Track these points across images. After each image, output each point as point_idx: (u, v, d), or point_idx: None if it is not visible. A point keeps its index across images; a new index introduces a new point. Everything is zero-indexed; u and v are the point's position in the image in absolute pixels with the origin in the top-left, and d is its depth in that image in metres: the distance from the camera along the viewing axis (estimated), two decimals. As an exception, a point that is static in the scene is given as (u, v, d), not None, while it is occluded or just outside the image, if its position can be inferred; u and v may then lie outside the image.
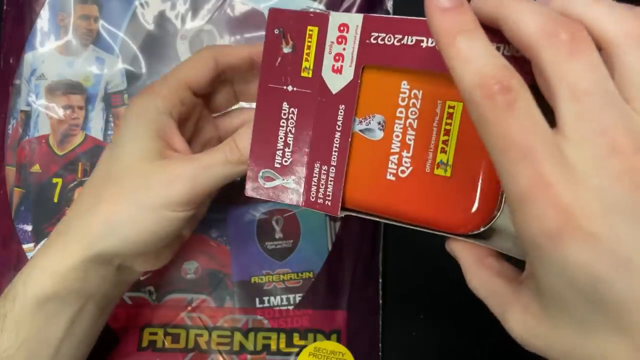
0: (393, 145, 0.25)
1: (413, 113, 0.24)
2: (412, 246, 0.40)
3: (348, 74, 0.24)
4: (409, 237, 0.40)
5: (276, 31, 0.25)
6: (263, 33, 0.39)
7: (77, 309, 0.29)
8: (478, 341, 0.40)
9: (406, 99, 0.24)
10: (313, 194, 0.26)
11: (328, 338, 0.38)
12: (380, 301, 0.39)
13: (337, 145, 0.25)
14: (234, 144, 0.28)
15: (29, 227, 0.38)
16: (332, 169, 0.25)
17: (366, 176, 0.25)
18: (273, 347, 0.38)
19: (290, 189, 0.27)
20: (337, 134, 0.25)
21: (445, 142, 0.24)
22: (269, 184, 0.27)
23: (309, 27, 0.25)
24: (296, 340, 0.38)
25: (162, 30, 0.39)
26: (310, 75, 0.25)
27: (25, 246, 0.38)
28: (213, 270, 0.38)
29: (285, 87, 0.26)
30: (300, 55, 0.25)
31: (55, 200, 0.38)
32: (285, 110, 0.26)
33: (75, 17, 0.39)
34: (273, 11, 0.26)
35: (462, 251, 0.25)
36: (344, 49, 0.24)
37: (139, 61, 0.39)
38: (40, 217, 0.38)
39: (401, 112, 0.24)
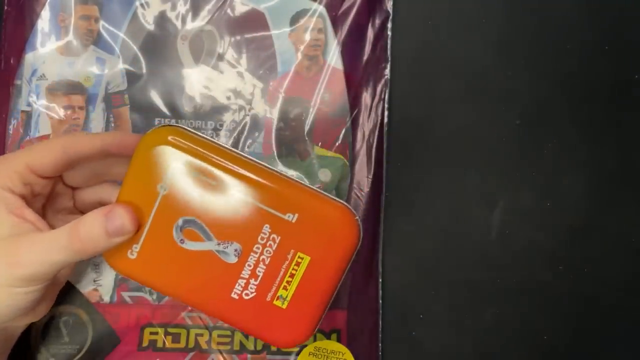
0: (243, 272, 0.28)
1: (268, 252, 0.28)
2: (412, 246, 0.40)
3: None
4: (409, 237, 0.40)
5: None
6: (263, 33, 0.40)
7: None
8: (477, 341, 0.40)
9: (265, 239, 0.28)
10: None
11: (328, 338, 0.38)
12: (380, 301, 0.39)
13: None
14: (76, 234, 0.27)
15: (29, 227, 0.38)
16: None
17: (212, 291, 0.29)
18: (273, 346, 0.38)
19: None
20: None
21: (288, 282, 0.28)
22: None
23: None
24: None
25: (163, 31, 0.39)
26: None
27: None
28: (213, 270, 0.39)
29: None
30: None
31: (56, 200, 0.38)
32: None
33: (75, 17, 0.39)
34: None
35: None
36: None
37: (139, 61, 0.39)
38: (41, 217, 0.38)
39: (258, 248, 0.28)
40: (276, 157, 0.39)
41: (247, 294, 0.29)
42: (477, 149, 0.41)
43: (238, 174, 0.28)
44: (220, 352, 0.38)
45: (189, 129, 0.28)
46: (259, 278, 0.28)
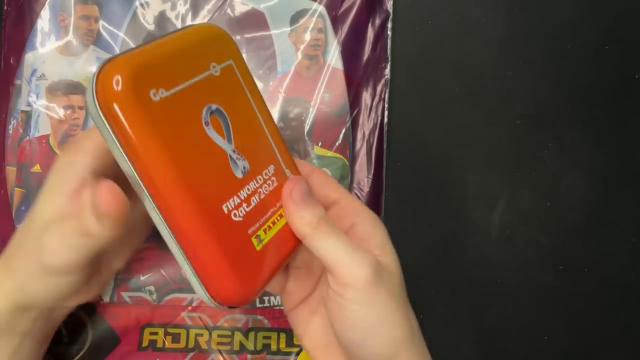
0: (241, 192, 0.27)
1: (265, 189, 0.29)
2: (412, 246, 0.40)
3: None
4: (409, 237, 0.40)
5: None
6: (263, 33, 0.40)
7: (16, 345, 0.30)
8: (478, 341, 0.40)
9: (267, 176, 0.29)
10: None
11: (328, 338, 0.38)
12: (380, 301, 0.39)
13: None
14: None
15: (29, 227, 0.38)
16: None
17: (207, 192, 0.26)
18: (273, 346, 0.38)
19: None
20: None
21: (269, 227, 0.28)
22: None
23: None
24: (296, 339, 0.38)
25: (163, 31, 0.39)
26: None
27: (25, 246, 0.38)
28: (213, 270, 0.38)
29: None
30: None
31: (56, 200, 0.38)
32: None
33: (75, 17, 0.39)
34: None
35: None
36: None
37: (139, 61, 0.39)
38: (41, 217, 0.38)
39: (260, 179, 0.28)
40: (276, 157, 0.39)
41: (235, 215, 0.27)
42: (477, 149, 0.41)
43: (270, 117, 0.30)
44: (220, 352, 0.38)
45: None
46: (251, 206, 0.28)
